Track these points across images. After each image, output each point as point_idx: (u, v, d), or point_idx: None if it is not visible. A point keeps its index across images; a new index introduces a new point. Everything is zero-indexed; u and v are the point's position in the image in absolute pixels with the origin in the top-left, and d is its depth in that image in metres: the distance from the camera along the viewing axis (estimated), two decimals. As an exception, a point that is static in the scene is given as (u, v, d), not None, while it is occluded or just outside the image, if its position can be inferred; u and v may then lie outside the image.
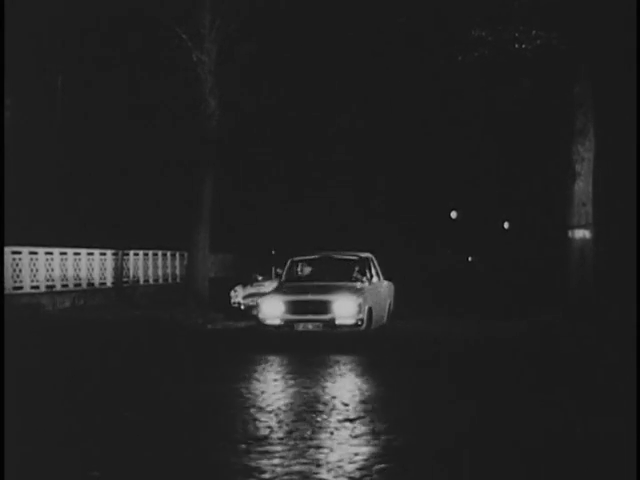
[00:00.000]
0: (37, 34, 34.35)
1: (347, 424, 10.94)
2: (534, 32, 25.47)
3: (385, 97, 45.16)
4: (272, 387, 14.46)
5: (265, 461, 9.02)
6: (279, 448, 9.62)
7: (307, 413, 11.81)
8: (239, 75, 32.39)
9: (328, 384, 14.58)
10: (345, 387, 14.47)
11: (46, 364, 17.58)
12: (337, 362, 17.37)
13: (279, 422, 11.17)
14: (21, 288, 27.14)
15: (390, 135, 47.29)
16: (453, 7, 27.43)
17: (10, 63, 29.87)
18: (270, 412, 11.89)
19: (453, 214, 57.81)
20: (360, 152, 46.85)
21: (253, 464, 8.92)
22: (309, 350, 19.30)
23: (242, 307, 30.31)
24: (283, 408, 12.28)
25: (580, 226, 26.31)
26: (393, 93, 44.97)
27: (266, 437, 10.22)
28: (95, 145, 37.26)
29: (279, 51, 35.68)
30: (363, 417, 11.43)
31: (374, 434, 10.34)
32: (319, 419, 11.35)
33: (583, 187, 26.24)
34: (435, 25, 28.78)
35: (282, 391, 14.04)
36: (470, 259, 57.91)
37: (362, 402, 12.70)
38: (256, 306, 25.97)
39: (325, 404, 12.51)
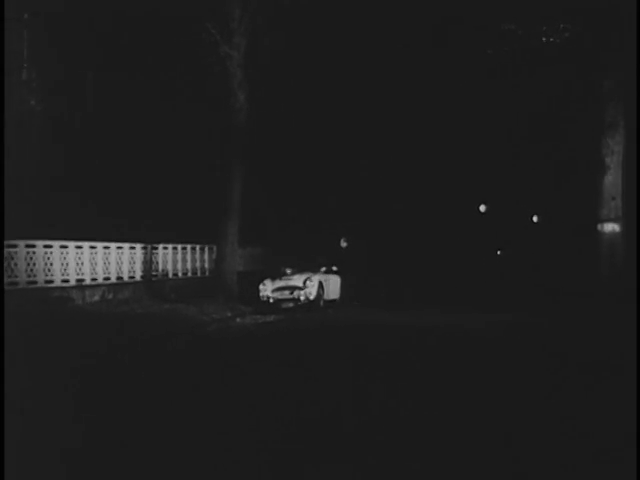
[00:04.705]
0: (68, 28, 34.51)
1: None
2: (561, 25, 25.41)
3: (415, 88, 45.02)
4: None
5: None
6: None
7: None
8: (268, 68, 32.45)
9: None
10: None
11: (75, 355, 17.70)
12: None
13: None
14: (52, 282, 27.31)
15: (420, 128, 47.16)
16: (484, 2, 27.41)
17: (40, 55, 30.16)
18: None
19: (482, 207, 57.56)
20: (389, 144, 46.73)
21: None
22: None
23: (271, 300, 30.43)
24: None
25: (610, 219, 26.24)
26: (422, 85, 44.83)
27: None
28: (125, 139, 37.37)
29: (307, 43, 35.71)
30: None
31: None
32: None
33: (613, 180, 26.16)
34: (466, 19, 28.74)
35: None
36: (499, 253, 57.70)
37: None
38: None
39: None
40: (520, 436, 10.00)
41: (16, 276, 25.43)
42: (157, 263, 33.98)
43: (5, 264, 24.86)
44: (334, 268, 33.26)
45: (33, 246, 26.39)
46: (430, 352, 18.17)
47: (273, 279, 31.17)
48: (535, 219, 61.19)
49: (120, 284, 31.24)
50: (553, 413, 11.33)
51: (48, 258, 27.15)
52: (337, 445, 9.69)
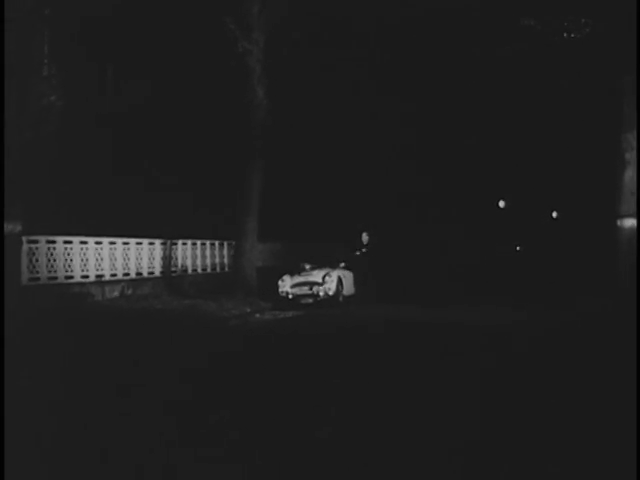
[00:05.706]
0: (88, 23, 34.60)
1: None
2: (583, 20, 25.33)
3: (435, 84, 44.95)
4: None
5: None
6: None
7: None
8: (287, 64, 32.50)
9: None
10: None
11: (93, 351, 17.80)
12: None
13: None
14: (72, 277, 27.43)
15: (440, 123, 47.12)
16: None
17: (60, 50, 30.24)
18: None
19: (501, 203, 57.53)
20: (409, 139, 46.72)
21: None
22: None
23: (290, 296, 30.47)
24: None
25: (629, 215, 26.15)
26: (442, 80, 44.77)
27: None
28: (144, 134, 37.43)
29: (326, 37, 35.68)
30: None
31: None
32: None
33: (632, 176, 26.06)
34: (484, 15, 28.64)
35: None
36: (518, 248, 57.67)
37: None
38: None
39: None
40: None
41: (37, 272, 25.59)
42: (176, 259, 34.07)
43: (27, 260, 25.06)
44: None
45: (53, 242, 26.53)
46: (458, 350, 18.19)
47: (292, 275, 31.20)
48: (554, 215, 61.17)
49: (139, 280, 31.34)
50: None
51: (68, 254, 27.27)
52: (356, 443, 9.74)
